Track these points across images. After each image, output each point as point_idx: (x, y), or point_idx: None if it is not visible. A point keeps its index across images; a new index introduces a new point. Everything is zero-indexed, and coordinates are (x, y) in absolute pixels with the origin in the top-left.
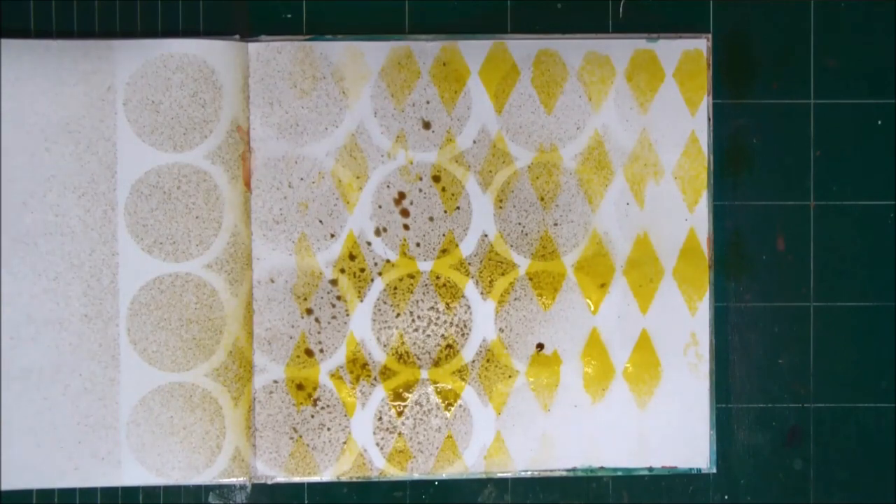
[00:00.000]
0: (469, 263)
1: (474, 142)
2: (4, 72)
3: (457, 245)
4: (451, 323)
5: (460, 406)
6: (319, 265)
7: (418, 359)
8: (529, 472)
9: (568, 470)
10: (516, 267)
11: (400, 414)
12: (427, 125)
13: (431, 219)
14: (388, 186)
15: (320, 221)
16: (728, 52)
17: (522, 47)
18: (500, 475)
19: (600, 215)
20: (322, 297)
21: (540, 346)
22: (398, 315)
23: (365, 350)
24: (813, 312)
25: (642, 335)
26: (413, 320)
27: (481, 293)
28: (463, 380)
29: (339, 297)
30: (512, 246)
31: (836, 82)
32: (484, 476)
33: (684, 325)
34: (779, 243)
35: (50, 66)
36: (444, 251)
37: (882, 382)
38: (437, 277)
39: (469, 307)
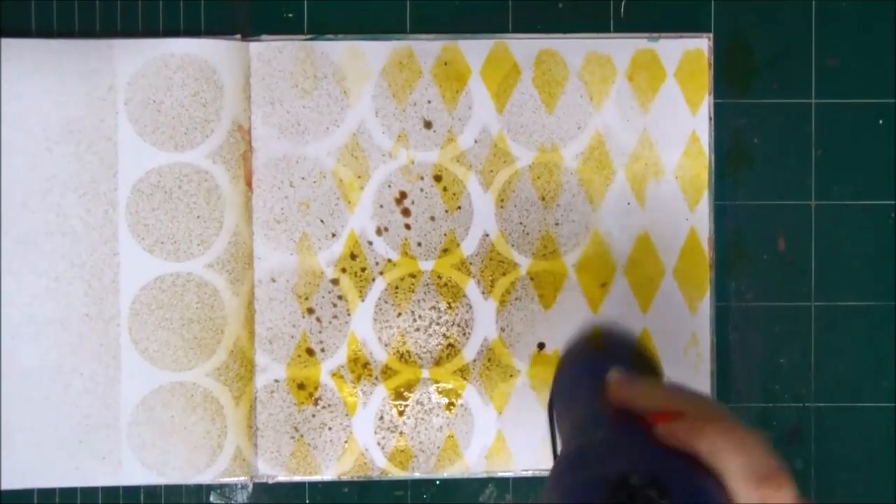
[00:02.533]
0: (470, 263)
1: (475, 141)
2: (5, 72)
3: (458, 245)
4: (453, 322)
5: (461, 405)
6: (321, 265)
7: (419, 358)
8: (530, 472)
9: None
10: (517, 266)
11: (401, 413)
12: (428, 125)
13: (433, 218)
14: (389, 186)
15: (321, 221)
16: (729, 52)
17: (523, 47)
18: (501, 475)
19: (601, 215)
20: (323, 297)
21: (541, 346)
22: (399, 314)
23: (366, 349)
24: (814, 312)
25: (643, 335)
26: (414, 320)
27: (482, 293)
28: (464, 379)
29: (340, 297)
30: (513, 245)
31: (837, 82)
32: (485, 475)
33: (685, 324)
34: (779, 243)
35: (50, 66)
36: (445, 251)
37: (882, 382)
38: (439, 277)
39: (470, 307)
